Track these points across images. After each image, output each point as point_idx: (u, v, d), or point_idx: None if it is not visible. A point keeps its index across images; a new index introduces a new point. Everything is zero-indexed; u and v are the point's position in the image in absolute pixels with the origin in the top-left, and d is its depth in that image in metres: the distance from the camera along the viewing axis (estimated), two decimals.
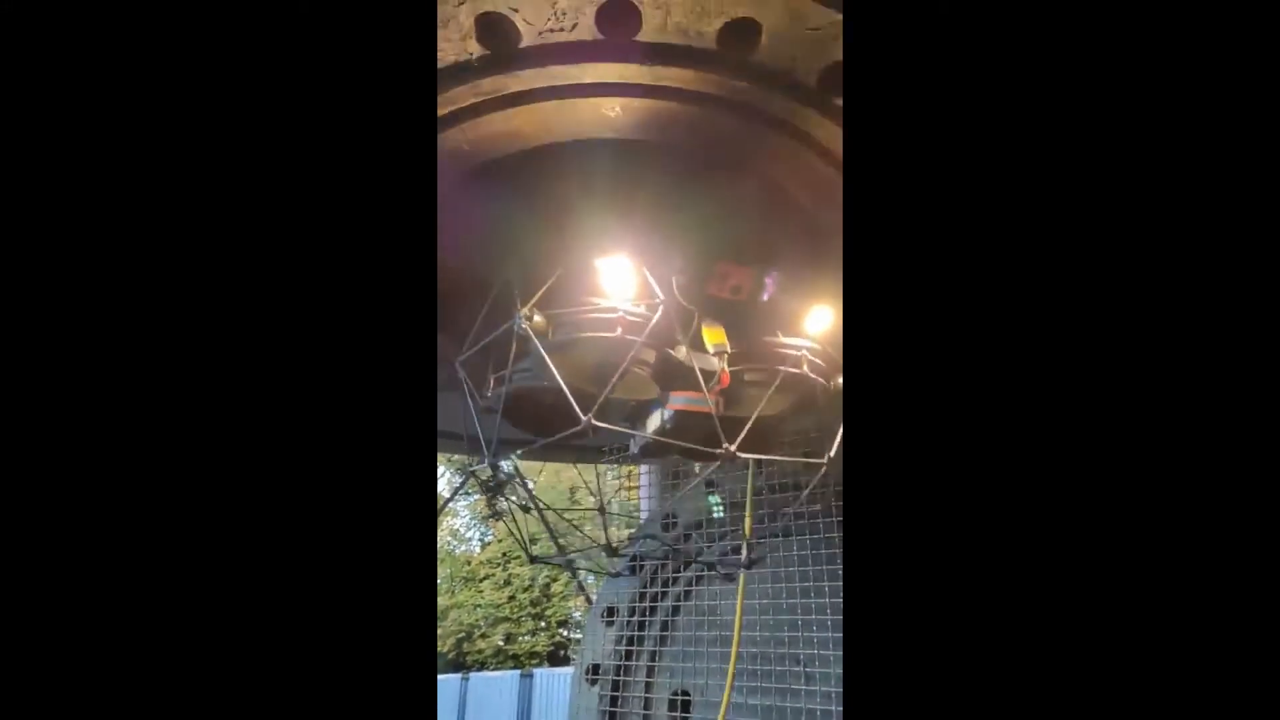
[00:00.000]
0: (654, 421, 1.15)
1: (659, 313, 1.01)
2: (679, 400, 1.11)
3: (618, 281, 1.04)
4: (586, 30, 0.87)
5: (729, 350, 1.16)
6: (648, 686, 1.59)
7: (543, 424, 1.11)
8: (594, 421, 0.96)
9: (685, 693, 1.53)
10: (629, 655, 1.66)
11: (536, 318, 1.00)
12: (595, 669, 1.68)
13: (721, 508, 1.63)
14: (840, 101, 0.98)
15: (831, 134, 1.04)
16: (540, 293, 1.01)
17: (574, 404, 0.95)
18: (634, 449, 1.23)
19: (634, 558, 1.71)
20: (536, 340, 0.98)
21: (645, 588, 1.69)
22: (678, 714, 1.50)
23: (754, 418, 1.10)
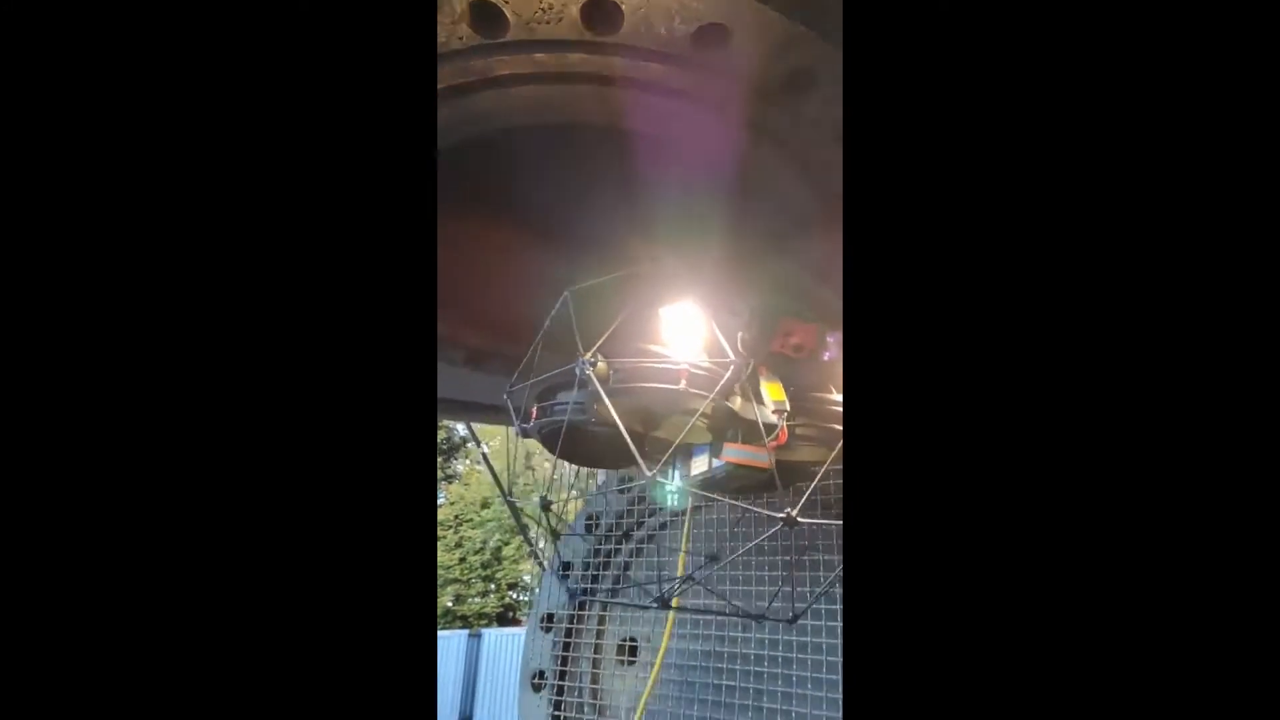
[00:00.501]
0: (700, 464, 1.17)
1: (730, 371, 1.02)
2: (733, 453, 1.11)
3: (680, 330, 1.06)
4: (571, 24, 0.93)
5: (789, 408, 1.15)
6: (598, 634, 1.71)
7: (582, 456, 1.12)
8: (658, 478, 1.00)
9: (632, 639, 1.66)
10: (581, 606, 1.78)
11: (600, 363, 1.01)
12: (549, 618, 1.80)
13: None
14: (797, 100, 1.07)
15: (788, 127, 1.13)
16: (604, 338, 1.02)
17: (639, 458, 0.99)
18: (676, 486, 1.23)
19: (591, 517, 1.82)
20: (599, 386, 1.00)
21: (600, 545, 1.80)
22: (625, 657, 1.63)
23: (815, 478, 1.09)
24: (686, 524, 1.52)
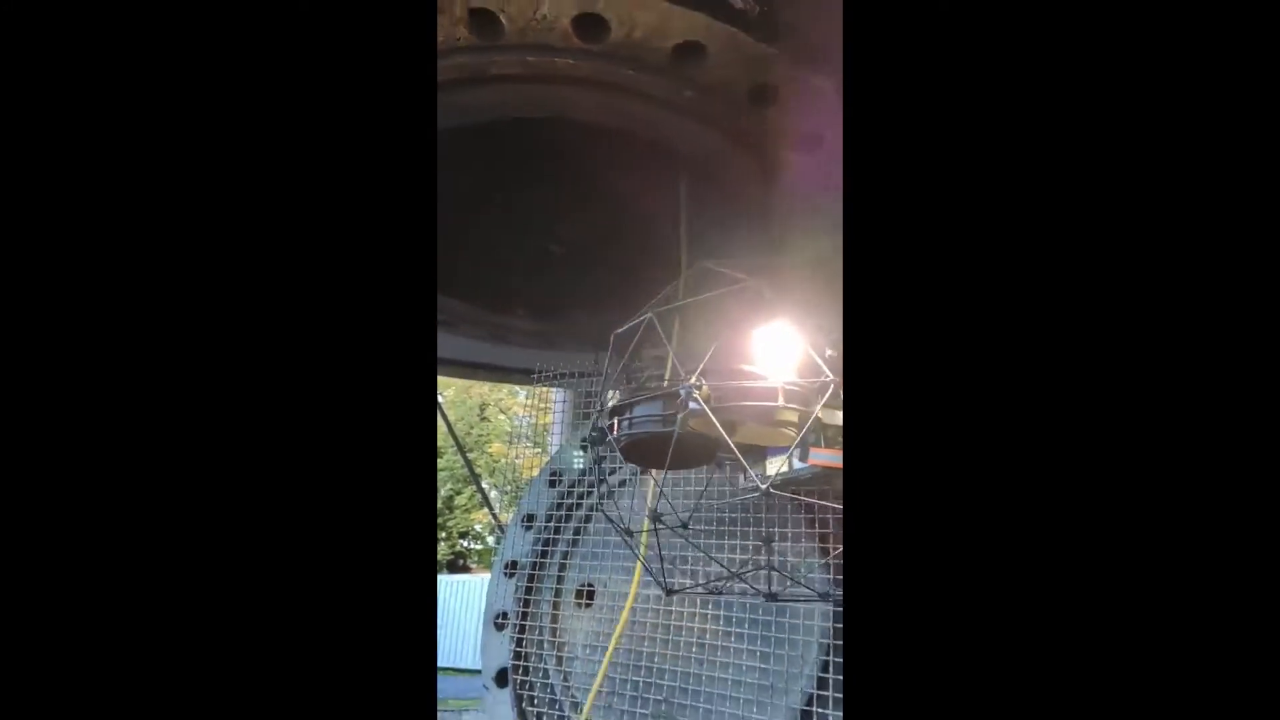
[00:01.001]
0: (777, 465, 1.25)
1: (829, 391, 1.10)
2: (821, 456, 1.18)
3: (774, 350, 1.13)
4: (563, 33, 1.02)
5: None
6: (558, 579, 1.87)
7: (663, 461, 1.19)
8: (772, 490, 1.12)
9: (590, 585, 1.82)
10: (544, 554, 1.93)
11: (704, 386, 1.07)
12: (513, 564, 1.95)
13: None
14: (767, 111, 1.19)
15: (757, 135, 1.25)
16: (704, 362, 1.09)
17: (752, 474, 1.11)
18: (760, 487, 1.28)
19: (555, 472, 1.96)
20: (706, 408, 1.06)
21: (563, 499, 1.95)
22: (583, 601, 1.80)
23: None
24: (651, 483, 1.67)
